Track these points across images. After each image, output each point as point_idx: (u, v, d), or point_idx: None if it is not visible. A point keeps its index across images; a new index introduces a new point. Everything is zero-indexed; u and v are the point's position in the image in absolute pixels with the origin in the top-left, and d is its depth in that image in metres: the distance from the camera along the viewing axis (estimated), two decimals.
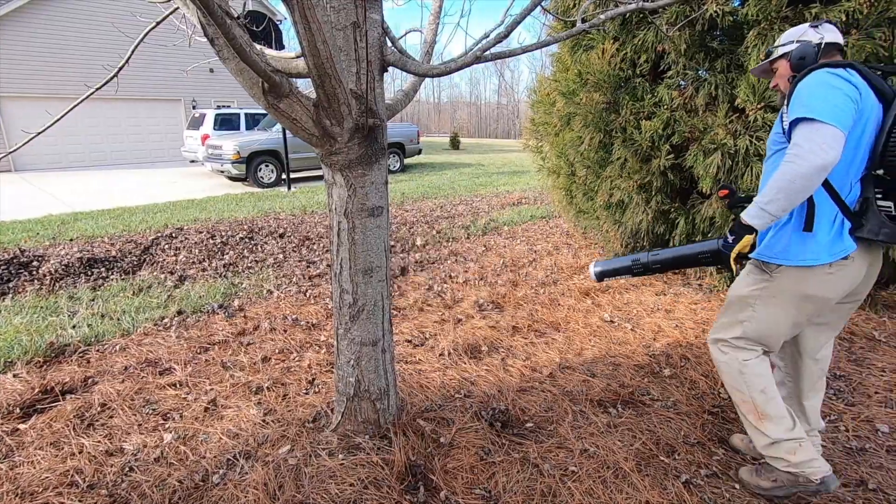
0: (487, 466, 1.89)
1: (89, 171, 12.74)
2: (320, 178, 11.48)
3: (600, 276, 2.10)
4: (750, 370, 1.64)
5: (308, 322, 3.25)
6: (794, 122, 1.42)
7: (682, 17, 3.11)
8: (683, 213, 3.51)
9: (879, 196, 1.48)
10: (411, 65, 1.72)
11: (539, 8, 1.88)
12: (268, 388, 2.45)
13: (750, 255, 1.63)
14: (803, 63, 1.56)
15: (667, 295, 3.67)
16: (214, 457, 1.95)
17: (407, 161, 14.02)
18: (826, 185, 1.48)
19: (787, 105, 1.48)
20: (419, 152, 13.82)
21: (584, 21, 1.92)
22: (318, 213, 6.97)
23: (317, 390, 2.45)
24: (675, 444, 2.01)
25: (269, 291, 3.84)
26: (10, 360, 2.72)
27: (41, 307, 3.49)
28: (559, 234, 5.70)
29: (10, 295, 3.73)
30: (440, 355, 2.76)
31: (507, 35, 1.72)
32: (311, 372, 2.62)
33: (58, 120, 2.01)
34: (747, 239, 1.48)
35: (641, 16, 3.41)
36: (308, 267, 4.46)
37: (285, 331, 3.12)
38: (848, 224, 1.49)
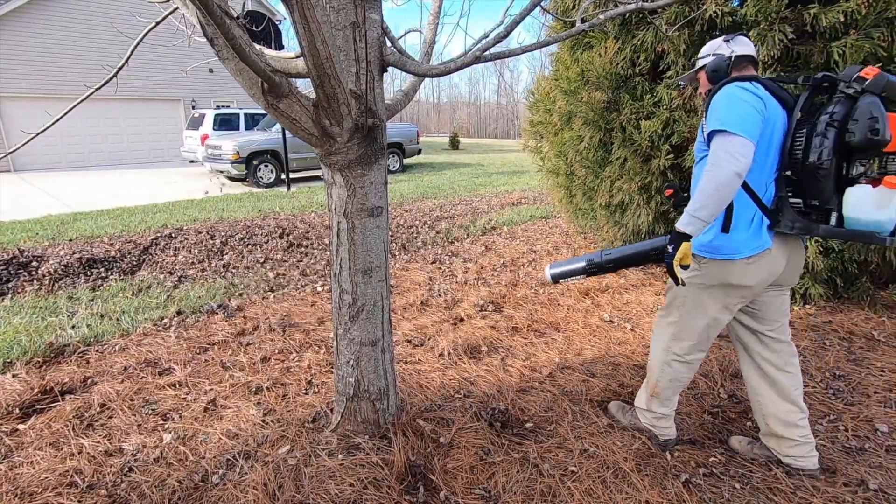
0: (487, 466, 1.89)
1: (88, 172, 12.73)
2: (320, 178, 11.48)
3: (555, 279, 2.14)
4: (676, 370, 1.90)
5: (307, 322, 3.25)
6: (711, 134, 1.57)
7: (681, 17, 3.11)
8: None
9: (790, 194, 1.64)
10: (411, 65, 1.72)
11: (538, 8, 1.88)
12: (267, 388, 2.45)
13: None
14: (717, 75, 1.74)
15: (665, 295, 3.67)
16: (214, 457, 1.95)
17: (406, 161, 14.02)
18: (745, 186, 1.64)
19: (706, 116, 1.64)
20: (419, 152, 13.82)
21: (583, 21, 1.92)
22: (318, 214, 6.97)
23: (316, 390, 2.45)
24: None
25: (269, 291, 3.84)
26: (9, 360, 2.72)
27: (40, 307, 3.48)
28: (559, 234, 5.70)
29: (10, 295, 3.73)
30: (440, 355, 2.76)
31: (506, 35, 1.72)
32: (311, 372, 2.62)
33: (57, 120, 2.01)
34: (685, 246, 1.56)
35: (641, 16, 3.42)
36: (307, 267, 4.46)
37: (284, 331, 3.12)
38: (766, 221, 1.65)
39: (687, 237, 1.55)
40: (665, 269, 1.70)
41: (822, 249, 3.00)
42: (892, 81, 1.51)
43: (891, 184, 1.46)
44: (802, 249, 1.77)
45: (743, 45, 1.73)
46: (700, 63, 1.84)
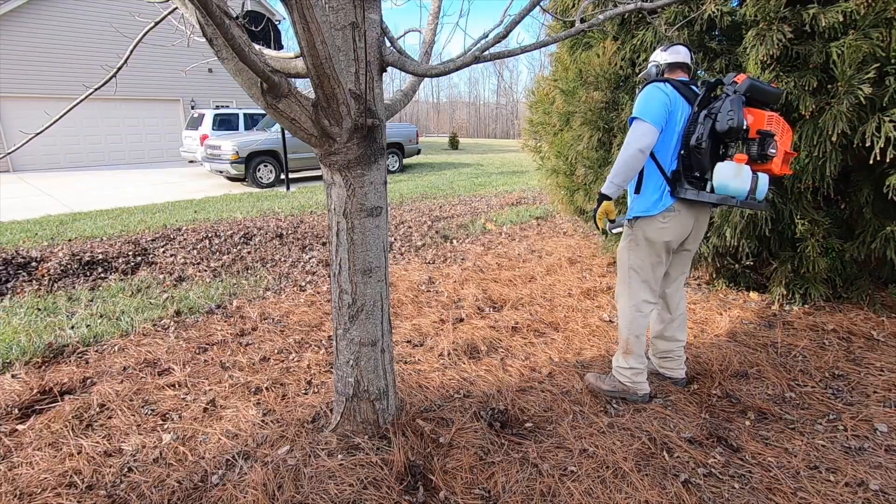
0: (487, 466, 1.89)
1: (88, 172, 12.72)
2: (319, 178, 11.48)
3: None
4: (637, 320, 2.26)
5: (307, 322, 3.25)
6: (630, 120, 2.09)
7: (680, 17, 3.11)
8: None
9: (684, 167, 2.12)
10: (410, 65, 1.72)
11: (538, 8, 1.88)
12: (267, 388, 2.45)
13: (617, 219, 2.29)
14: (651, 78, 2.19)
15: None
16: (213, 457, 1.95)
17: (406, 161, 14.02)
18: (655, 161, 2.12)
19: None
20: (418, 152, 13.82)
21: (582, 21, 1.92)
22: (317, 214, 6.97)
23: (316, 391, 2.44)
24: (674, 443, 2.01)
25: (268, 291, 3.84)
26: (8, 360, 2.72)
27: (39, 308, 3.48)
28: (558, 235, 5.70)
29: (9, 296, 3.72)
30: (439, 355, 2.76)
31: (505, 35, 1.72)
32: (310, 372, 2.62)
33: (56, 120, 2.01)
34: (606, 204, 2.13)
35: (640, 16, 3.42)
36: (307, 267, 4.46)
37: (284, 331, 3.12)
38: (668, 188, 2.12)
39: (607, 197, 2.11)
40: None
41: (822, 250, 3.00)
42: (755, 85, 1.99)
43: (740, 159, 1.97)
44: (707, 216, 2.27)
45: (675, 54, 2.19)
46: (647, 68, 2.32)
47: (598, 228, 2.16)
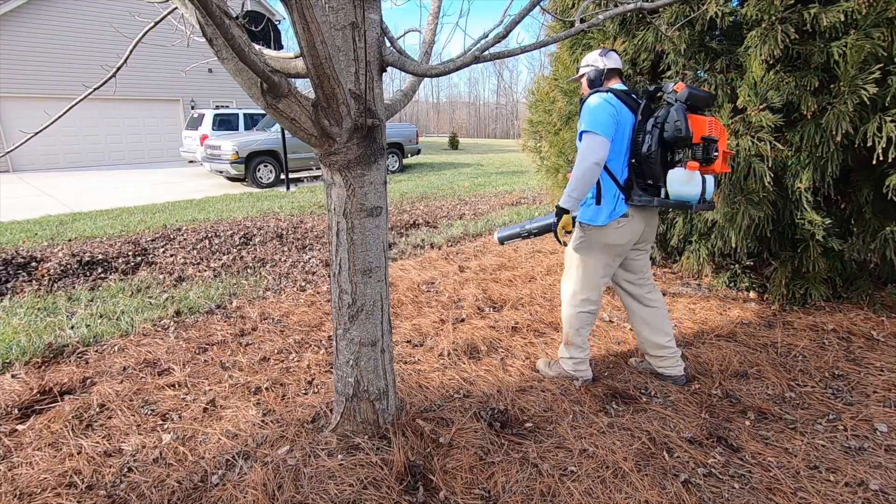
0: (487, 466, 1.89)
1: (87, 172, 12.72)
2: (319, 178, 11.48)
3: (501, 241, 2.70)
4: (579, 316, 2.37)
5: (307, 322, 3.25)
6: (581, 133, 2.13)
7: (681, 17, 3.11)
8: (682, 214, 3.51)
9: (637, 175, 2.20)
10: (410, 65, 1.72)
11: (538, 8, 1.88)
12: (266, 388, 2.45)
13: (575, 219, 2.32)
14: (593, 83, 2.29)
15: (665, 295, 3.68)
16: (213, 457, 1.95)
17: (406, 161, 14.03)
18: (608, 171, 2.20)
19: (580, 117, 2.17)
20: (418, 152, 13.82)
21: (582, 21, 1.92)
22: (317, 214, 6.96)
23: (316, 391, 2.44)
24: (674, 443, 2.01)
25: (268, 291, 3.84)
26: (8, 360, 2.72)
27: (39, 308, 3.48)
28: None
29: (9, 296, 3.72)
30: (439, 355, 2.76)
31: (505, 35, 1.72)
32: (310, 372, 2.62)
33: (56, 120, 2.01)
34: (566, 218, 2.14)
35: (640, 16, 3.41)
36: (306, 267, 4.46)
37: (284, 331, 3.12)
38: (622, 195, 2.21)
39: (566, 211, 2.13)
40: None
41: (822, 250, 3.00)
42: (693, 93, 2.10)
43: (692, 167, 2.07)
44: (656, 218, 2.38)
45: (613, 60, 2.28)
46: (582, 71, 2.36)
47: (559, 242, 2.20)
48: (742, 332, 3.02)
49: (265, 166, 10.30)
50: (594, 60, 2.30)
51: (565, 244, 2.22)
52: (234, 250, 4.97)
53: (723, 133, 2.17)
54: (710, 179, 2.16)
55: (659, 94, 2.19)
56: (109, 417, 2.24)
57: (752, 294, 3.57)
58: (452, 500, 1.73)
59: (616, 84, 2.26)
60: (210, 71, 15.37)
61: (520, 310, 3.43)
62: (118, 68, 2.03)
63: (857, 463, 1.89)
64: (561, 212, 2.13)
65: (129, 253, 4.79)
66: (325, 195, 1.94)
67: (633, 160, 2.19)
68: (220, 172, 10.40)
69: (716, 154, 2.11)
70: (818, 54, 2.74)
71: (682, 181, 2.09)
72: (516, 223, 2.83)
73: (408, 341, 2.98)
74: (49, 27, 12.76)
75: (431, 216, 6.75)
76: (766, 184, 2.93)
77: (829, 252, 3.03)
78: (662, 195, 2.16)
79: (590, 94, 2.18)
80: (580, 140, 2.14)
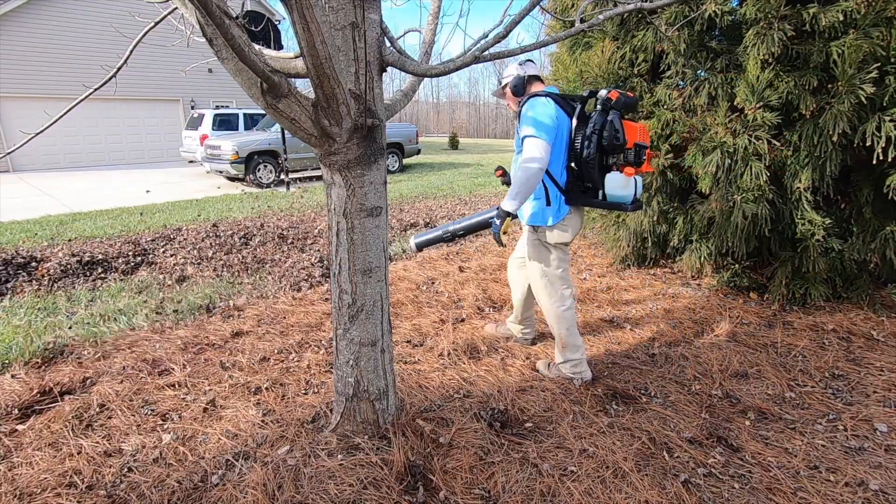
0: (487, 466, 1.89)
1: (88, 172, 12.72)
2: (319, 178, 11.48)
3: (419, 247, 2.72)
4: (564, 315, 2.44)
5: (307, 322, 3.25)
6: (523, 139, 2.20)
7: (680, 17, 3.11)
8: (682, 213, 3.51)
9: (576, 178, 2.32)
10: (410, 65, 1.72)
11: (538, 8, 1.88)
12: (266, 388, 2.45)
13: (525, 224, 2.45)
14: (517, 90, 2.35)
15: (665, 295, 3.68)
16: (213, 457, 1.95)
17: (406, 161, 14.02)
18: (549, 175, 2.29)
19: (519, 122, 2.27)
20: (418, 152, 13.82)
21: (582, 21, 1.92)
22: (318, 214, 6.96)
23: (316, 391, 2.44)
24: (674, 443, 2.01)
25: (268, 291, 3.84)
26: (7, 361, 2.72)
27: (39, 308, 3.48)
28: None
29: (9, 296, 3.72)
30: (439, 355, 2.76)
31: (505, 35, 1.72)
32: (310, 372, 2.62)
33: (56, 120, 2.01)
34: (507, 221, 2.19)
35: (640, 16, 3.42)
36: (306, 267, 4.46)
37: (283, 331, 3.12)
38: (563, 197, 2.32)
39: (511, 214, 2.17)
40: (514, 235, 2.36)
41: (822, 250, 3.00)
42: (626, 101, 2.22)
43: (629, 172, 2.20)
44: (584, 214, 2.53)
45: (532, 68, 2.40)
46: (504, 82, 2.43)
47: (500, 244, 2.27)
48: (742, 332, 3.02)
49: (265, 166, 10.30)
50: (514, 70, 2.39)
51: (503, 244, 2.33)
52: (234, 250, 4.97)
53: (647, 135, 2.33)
54: (639, 180, 2.31)
55: (591, 98, 2.30)
56: (109, 417, 2.24)
57: (752, 294, 3.57)
58: (452, 500, 1.73)
59: (539, 88, 2.35)
60: (210, 71, 15.36)
61: None
62: (118, 68, 2.03)
63: (857, 463, 1.90)
64: (505, 214, 2.17)
65: (129, 253, 4.79)
66: (325, 195, 1.94)
67: (573, 164, 2.29)
68: (220, 172, 10.40)
69: (644, 158, 2.27)
70: (817, 54, 2.74)
71: (621, 185, 2.22)
72: (435, 227, 2.87)
73: (408, 341, 2.98)
74: (49, 27, 12.76)
75: (431, 216, 6.75)
76: (763, 182, 2.93)
77: (828, 252, 3.03)
78: (600, 197, 2.30)
79: (529, 98, 2.25)
80: (521, 144, 2.24)
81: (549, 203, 2.31)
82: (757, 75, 2.85)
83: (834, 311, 3.25)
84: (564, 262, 2.45)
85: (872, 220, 2.95)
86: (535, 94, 2.24)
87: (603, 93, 2.22)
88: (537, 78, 2.41)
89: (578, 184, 2.32)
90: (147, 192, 8.72)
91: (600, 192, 2.28)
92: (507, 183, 2.64)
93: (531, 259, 2.48)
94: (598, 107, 2.21)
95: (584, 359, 2.50)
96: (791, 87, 2.80)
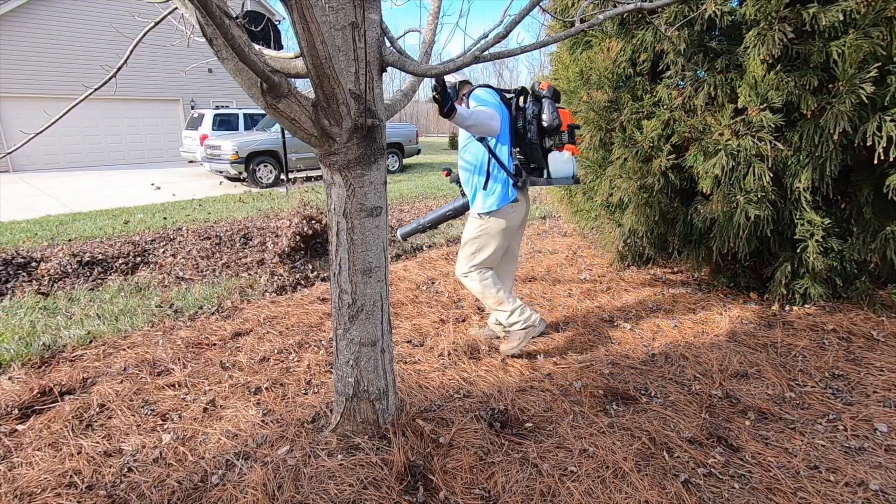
0: (487, 466, 1.89)
1: (87, 172, 12.72)
2: (319, 178, 11.47)
3: (404, 237, 3.16)
4: (486, 283, 2.63)
5: (307, 322, 3.25)
6: (472, 112, 2.32)
7: (680, 17, 3.11)
8: (683, 213, 3.51)
9: (522, 161, 2.58)
10: (410, 65, 1.72)
11: (538, 8, 1.88)
12: (266, 388, 2.45)
13: (474, 212, 2.60)
14: (453, 95, 2.56)
15: (665, 295, 3.68)
16: (213, 457, 1.95)
17: (406, 161, 14.02)
18: (499, 161, 2.49)
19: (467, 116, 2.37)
20: (418, 152, 13.81)
21: (582, 21, 1.92)
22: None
23: (315, 391, 2.44)
24: (674, 443, 2.01)
25: (267, 291, 3.84)
26: (7, 361, 2.72)
27: (39, 308, 3.48)
28: (558, 234, 5.70)
29: (9, 296, 3.72)
30: (439, 355, 2.76)
31: (505, 35, 1.72)
32: (310, 372, 2.62)
33: (56, 120, 2.01)
34: (441, 98, 2.03)
35: (640, 15, 3.41)
36: (306, 267, 4.45)
37: (283, 331, 3.12)
38: (511, 181, 2.52)
39: (452, 108, 2.06)
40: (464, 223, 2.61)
41: (822, 250, 3.00)
42: (555, 91, 2.53)
43: (570, 149, 2.54)
44: (530, 199, 2.74)
45: (462, 76, 2.71)
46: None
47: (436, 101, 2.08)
48: (742, 331, 3.02)
49: (265, 166, 10.30)
50: (447, 79, 2.58)
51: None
52: (234, 250, 4.96)
53: (573, 120, 2.64)
54: (573, 159, 2.62)
55: (524, 93, 2.57)
56: (109, 417, 2.24)
57: (752, 294, 3.57)
58: (452, 500, 1.73)
59: (469, 89, 2.60)
60: (210, 71, 15.36)
61: None
62: (118, 69, 2.03)
63: (857, 463, 1.90)
64: (444, 92, 2.00)
65: (129, 253, 4.79)
66: (325, 195, 1.94)
67: (518, 149, 2.56)
68: (220, 172, 10.40)
69: (575, 138, 2.61)
70: (817, 54, 2.74)
71: (564, 161, 2.56)
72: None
73: (408, 341, 2.98)
74: (49, 27, 12.76)
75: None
76: (766, 183, 2.93)
77: (828, 252, 3.03)
78: (546, 176, 2.60)
79: (469, 92, 2.53)
80: (467, 140, 2.55)
81: (485, 187, 2.52)
82: (762, 76, 2.84)
83: (834, 311, 3.25)
84: (503, 248, 2.63)
85: (872, 220, 2.95)
86: (472, 90, 2.52)
87: (535, 85, 2.54)
88: (466, 81, 2.71)
89: (526, 166, 2.58)
90: (157, 188, 8.71)
91: (545, 171, 2.60)
92: (455, 181, 2.89)
93: (471, 244, 2.62)
94: (531, 96, 2.52)
95: (525, 305, 2.66)
96: (792, 87, 2.80)
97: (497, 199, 2.50)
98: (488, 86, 2.54)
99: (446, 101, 2.00)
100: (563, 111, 2.51)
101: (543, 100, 2.49)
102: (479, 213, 2.57)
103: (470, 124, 2.26)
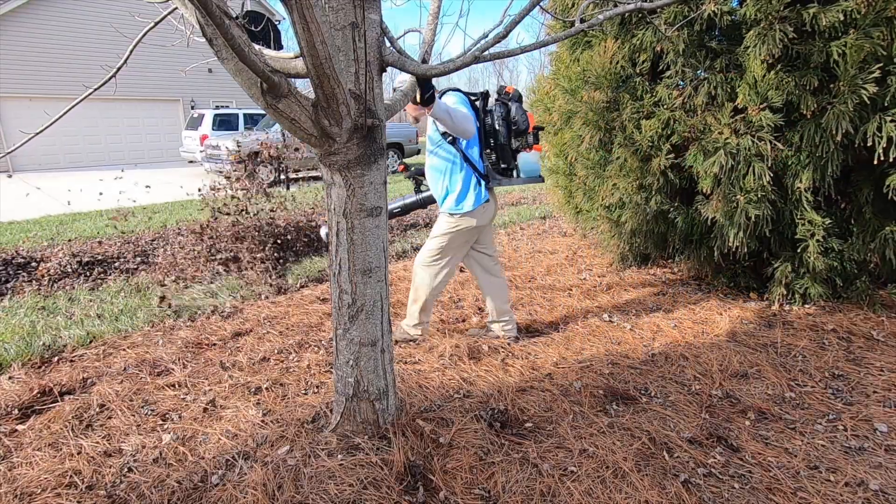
0: (487, 466, 1.89)
1: (88, 172, 12.71)
2: (319, 178, 11.47)
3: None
4: (436, 285, 2.73)
5: (307, 322, 3.25)
6: (454, 111, 2.36)
7: (680, 17, 3.11)
8: (682, 213, 3.51)
9: (494, 161, 2.71)
10: (410, 65, 1.72)
11: (538, 8, 1.88)
12: (266, 388, 2.45)
13: (445, 212, 2.66)
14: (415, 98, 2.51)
15: (665, 295, 3.68)
16: (213, 457, 1.95)
17: (406, 161, 14.01)
18: (470, 164, 2.58)
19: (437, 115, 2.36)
20: (418, 152, 13.82)
21: (582, 21, 1.92)
22: (317, 214, 6.95)
23: (316, 391, 2.44)
24: (674, 443, 2.01)
25: (267, 291, 3.84)
26: (7, 361, 2.72)
27: (39, 308, 3.48)
28: (558, 234, 5.70)
29: (9, 296, 3.72)
30: (439, 356, 2.76)
31: (505, 35, 1.72)
32: (310, 372, 2.62)
33: (56, 120, 2.01)
34: (417, 103, 2.07)
35: (640, 15, 3.41)
36: (306, 267, 4.46)
37: (283, 331, 3.12)
38: (483, 182, 2.62)
39: (431, 101, 2.05)
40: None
41: (822, 250, 3.00)
42: (518, 94, 2.63)
43: (538, 148, 2.70)
44: (496, 198, 2.79)
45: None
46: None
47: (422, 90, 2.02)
48: (742, 331, 3.02)
49: (265, 166, 10.30)
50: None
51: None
52: (234, 250, 4.95)
53: (536, 122, 2.73)
54: (539, 158, 2.77)
55: (488, 97, 2.68)
56: (109, 417, 2.24)
57: (752, 294, 3.57)
58: (452, 500, 1.73)
59: None
60: (210, 71, 15.37)
61: (520, 310, 3.43)
62: (118, 69, 2.03)
63: (857, 463, 1.90)
64: (428, 93, 1.99)
65: (129, 253, 4.79)
66: (325, 195, 1.94)
67: (489, 150, 2.68)
68: (220, 172, 10.39)
69: (539, 139, 2.72)
70: (818, 54, 2.74)
71: (534, 160, 2.70)
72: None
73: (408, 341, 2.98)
74: (48, 27, 12.76)
75: (431, 216, 6.74)
76: (766, 183, 2.93)
77: (828, 252, 3.03)
78: (516, 175, 2.74)
79: (443, 93, 2.55)
80: (436, 142, 2.61)
81: (467, 191, 2.59)
82: (762, 75, 2.84)
83: (834, 311, 3.25)
84: (467, 246, 2.75)
85: (872, 220, 2.95)
86: (442, 93, 2.56)
87: (500, 89, 2.67)
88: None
89: (496, 167, 2.71)
90: (147, 187, 8.71)
91: (515, 171, 2.74)
92: (410, 177, 3.02)
93: (439, 242, 2.69)
94: (498, 99, 2.65)
95: (427, 327, 2.90)
96: (792, 87, 2.80)
97: (472, 200, 2.59)
98: (457, 89, 2.60)
99: (428, 88, 1.94)
100: (529, 113, 2.63)
101: (510, 103, 2.60)
102: (451, 213, 2.62)
103: (448, 120, 2.27)
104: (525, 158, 2.69)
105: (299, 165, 10.77)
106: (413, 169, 2.99)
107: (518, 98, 2.64)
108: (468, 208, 2.59)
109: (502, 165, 2.71)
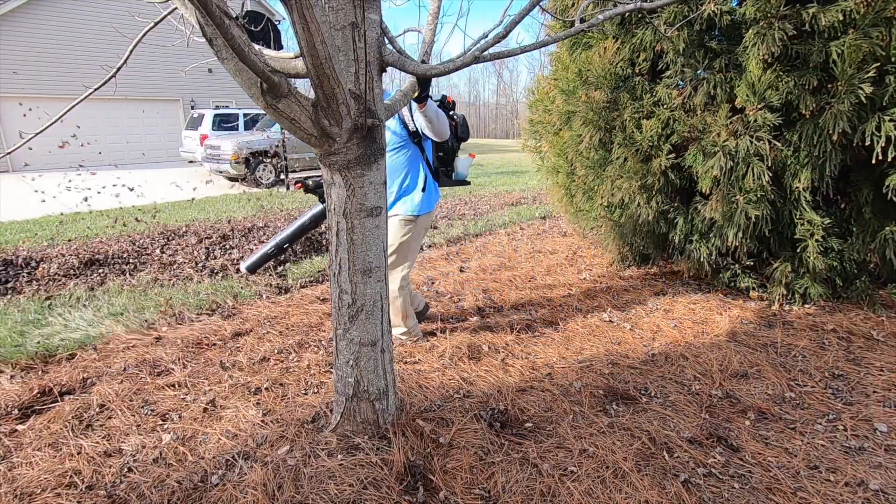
0: (487, 466, 1.89)
1: (87, 172, 12.70)
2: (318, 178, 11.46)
3: (252, 269, 3.11)
4: (405, 282, 2.75)
5: (307, 322, 3.25)
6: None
7: (680, 16, 3.11)
8: (682, 213, 3.51)
9: (441, 163, 2.93)
10: (410, 65, 1.72)
11: (537, 8, 1.88)
12: (266, 388, 2.45)
13: (405, 215, 2.67)
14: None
15: (665, 295, 3.68)
16: (213, 457, 1.95)
17: (299, 178, 13.99)
18: (427, 163, 2.69)
19: (410, 115, 2.55)
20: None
21: (582, 21, 1.92)
22: None
23: (316, 391, 2.44)
24: (674, 443, 2.01)
25: (267, 291, 3.84)
26: (7, 361, 2.71)
27: (39, 308, 3.48)
28: (558, 234, 5.70)
29: (9, 296, 3.72)
30: (440, 356, 2.76)
31: (505, 35, 1.72)
32: (310, 372, 2.62)
33: (56, 120, 2.01)
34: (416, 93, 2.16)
35: (640, 15, 3.42)
36: (306, 267, 4.46)
37: (283, 331, 3.12)
38: (435, 182, 2.79)
39: (425, 98, 2.19)
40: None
41: (822, 250, 3.00)
42: (454, 103, 2.77)
43: (473, 155, 3.15)
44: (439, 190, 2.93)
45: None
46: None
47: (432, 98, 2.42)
48: (742, 331, 3.02)
49: (265, 166, 10.31)
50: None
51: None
52: (234, 250, 4.96)
53: None
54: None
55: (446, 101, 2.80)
56: (109, 417, 2.24)
57: (752, 294, 3.57)
58: (452, 500, 1.73)
59: None
60: (210, 71, 15.36)
61: (520, 310, 3.43)
62: (118, 69, 2.03)
63: (857, 463, 1.90)
64: (426, 92, 2.15)
65: (129, 253, 4.79)
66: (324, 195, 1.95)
67: (441, 153, 2.91)
68: (220, 172, 10.40)
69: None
70: (817, 54, 2.74)
71: (468, 166, 3.02)
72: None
73: None
74: (48, 27, 12.76)
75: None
76: (765, 183, 2.93)
77: (828, 252, 3.03)
78: (453, 176, 3.01)
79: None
80: (407, 130, 2.62)
81: (424, 189, 2.67)
82: (759, 76, 2.85)
83: (834, 311, 3.25)
84: (419, 243, 2.84)
85: (872, 220, 2.95)
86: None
87: (444, 96, 2.77)
88: None
89: (442, 168, 2.94)
90: (131, 189, 8.71)
91: (453, 173, 3.00)
92: (310, 190, 2.98)
93: (401, 244, 2.70)
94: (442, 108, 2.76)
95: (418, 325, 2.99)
96: (791, 87, 2.80)
97: (430, 199, 2.70)
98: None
99: (426, 88, 2.09)
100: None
101: (453, 111, 2.80)
102: (412, 215, 2.65)
103: (435, 119, 2.37)
104: (464, 163, 2.97)
105: (301, 166, 10.78)
106: (311, 182, 2.92)
107: (454, 106, 2.83)
108: (431, 207, 2.69)
109: (444, 168, 2.96)
